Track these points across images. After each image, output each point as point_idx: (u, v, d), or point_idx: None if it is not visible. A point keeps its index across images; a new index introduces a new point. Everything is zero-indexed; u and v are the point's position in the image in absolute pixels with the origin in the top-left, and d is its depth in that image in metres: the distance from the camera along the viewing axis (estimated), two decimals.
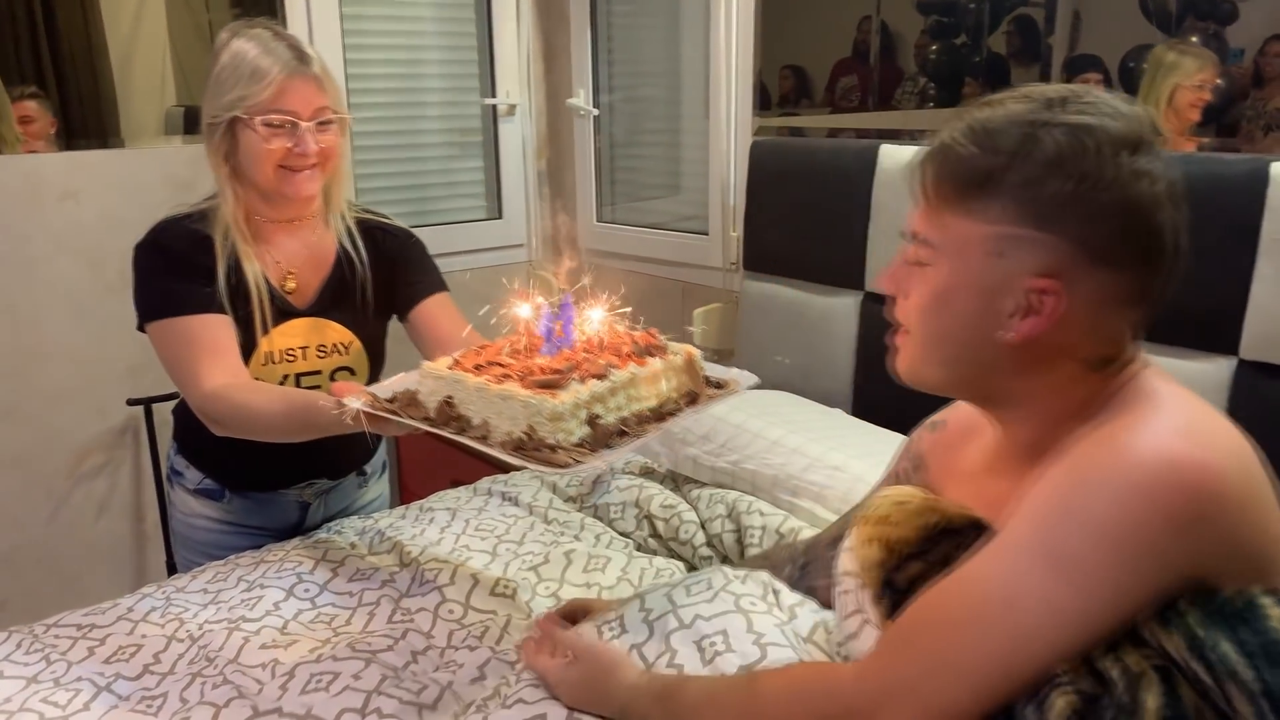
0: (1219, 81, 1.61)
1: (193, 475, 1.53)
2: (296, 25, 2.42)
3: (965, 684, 0.75)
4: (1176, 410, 0.78)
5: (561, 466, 0.95)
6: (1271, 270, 1.38)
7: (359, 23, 2.56)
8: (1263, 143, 1.56)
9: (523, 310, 1.11)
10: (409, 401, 1.09)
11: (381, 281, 1.48)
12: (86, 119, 2.41)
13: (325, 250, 1.46)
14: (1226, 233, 1.41)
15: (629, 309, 1.17)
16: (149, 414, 2.34)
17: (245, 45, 1.31)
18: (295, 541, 1.52)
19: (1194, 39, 1.63)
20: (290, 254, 1.44)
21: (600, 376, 1.03)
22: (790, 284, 2.12)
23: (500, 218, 2.90)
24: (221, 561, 1.47)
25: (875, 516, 0.94)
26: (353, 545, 1.49)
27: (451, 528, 1.54)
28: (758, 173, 2.18)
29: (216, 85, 1.32)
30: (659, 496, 1.61)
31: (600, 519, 1.61)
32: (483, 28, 2.78)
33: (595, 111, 2.77)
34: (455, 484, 1.80)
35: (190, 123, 2.47)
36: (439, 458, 2.51)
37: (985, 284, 0.81)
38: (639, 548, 1.56)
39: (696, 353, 1.14)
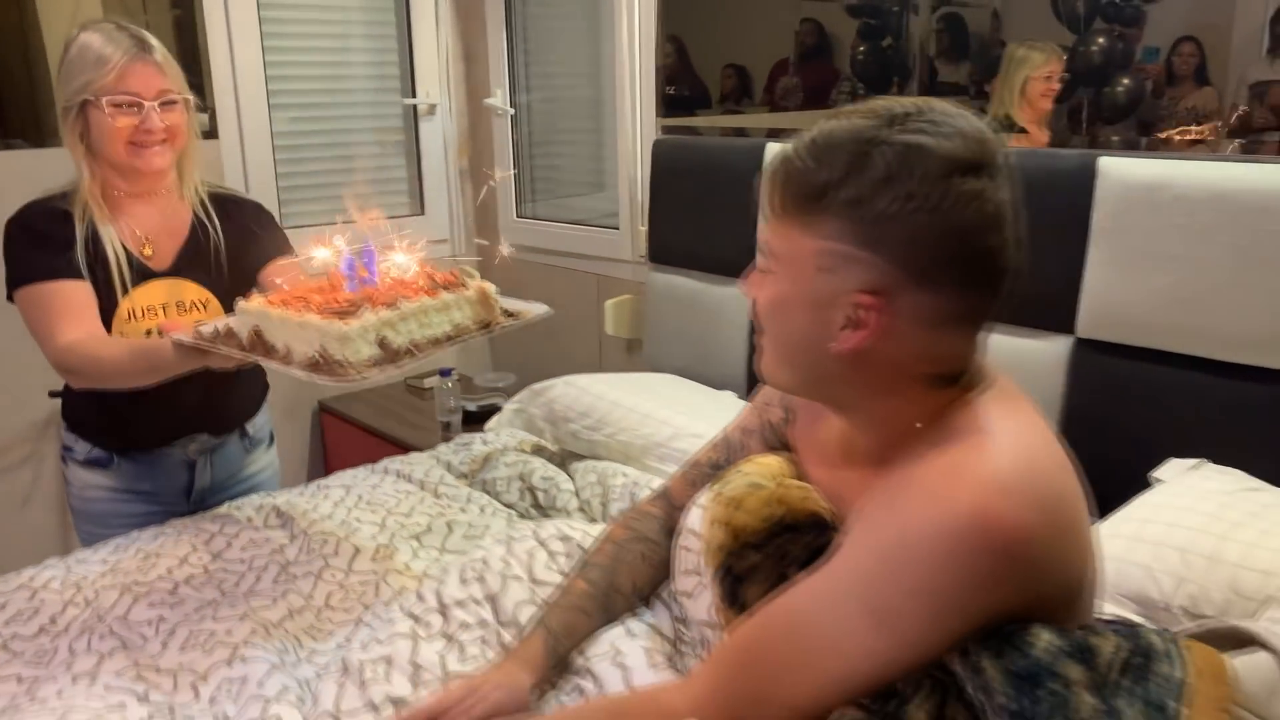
0: (1066, 74, 1.72)
1: (81, 447, 1.62)
2: (215, 28, 2.48)
3: (792, 716, 0.83)
4: (1001, 451, 0.79)
5: (347, 380, 1.10)
6: (1101, 256, 1.51)
7: (279, 25, 2.63)
8: (1177, 142, 1.62)
9: (321, 253, 1.27)
10: (227, 334, 1.24)
11: (233, 246, 1.61)
12: (24, 122, 2.45)
13: (181, 219, 1.59)
14: (1061, 222, 1.53)
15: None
16: None
17: (91, 37, 1.45)
18: (195, 517, 1.60)
19: (1101, 40, 1.75)
20: (147, 223, 1.56)
21: (390, 305, 1.17)
22: (690, 275, 2.23)
23: (423, 214, 2.99)
24: (123, 535, 1.55)
25: (728, 496, 1.00)
26: (249, 519, 1.58)
27: (345, 502, 1.63)
28: (660, 170, 2.29)
29: (67, 74, 1.46)
30: (541, 470, 1.72)
31: (488, 492, 1.71)
32: (402, 29, 2.86)
33: (512, 111, 2.86)
34: None
35: None
36: (362, 442, 2.60)
37: (815, 297, 0.83)
38: (521, 516, 1.65)
39: (490, 287, 1.29)
